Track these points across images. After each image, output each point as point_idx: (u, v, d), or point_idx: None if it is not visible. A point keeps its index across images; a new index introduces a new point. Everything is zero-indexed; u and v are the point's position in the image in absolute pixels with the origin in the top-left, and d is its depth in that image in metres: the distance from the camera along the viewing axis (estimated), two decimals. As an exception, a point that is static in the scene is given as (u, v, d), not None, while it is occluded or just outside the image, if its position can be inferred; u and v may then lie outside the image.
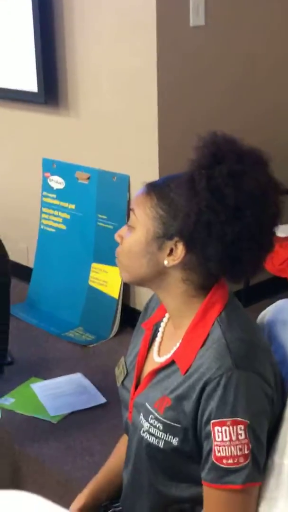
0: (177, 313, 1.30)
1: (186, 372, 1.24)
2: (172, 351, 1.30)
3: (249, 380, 1.18)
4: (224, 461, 1.16)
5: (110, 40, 3.12)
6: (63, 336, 3.34)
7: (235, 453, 1.16)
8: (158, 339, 1.37)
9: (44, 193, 3.63)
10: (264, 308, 1.43)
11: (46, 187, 3.62)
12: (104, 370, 2.94)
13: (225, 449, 1.16)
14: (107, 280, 3.34)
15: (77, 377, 2.94)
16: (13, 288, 2.94)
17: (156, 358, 1.35)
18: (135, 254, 1.28)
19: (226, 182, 1.18)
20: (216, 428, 1.16)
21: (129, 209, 3.21)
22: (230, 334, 1.22)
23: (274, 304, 1.40)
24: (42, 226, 3.67)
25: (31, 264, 3.76)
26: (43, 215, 3.65)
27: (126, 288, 3.30)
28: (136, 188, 3.16)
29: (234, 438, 1.15)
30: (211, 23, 3.05)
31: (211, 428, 1.17)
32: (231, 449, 1.16)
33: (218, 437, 1.16)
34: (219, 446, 1.16)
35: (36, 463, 2.45)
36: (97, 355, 3.13)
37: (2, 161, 3.90)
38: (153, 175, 3.01)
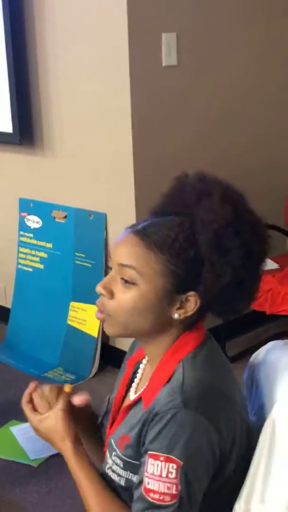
0: (159, 357, 1.27)
1: (146, 409, 1.23)
2: (142, 389, 1.29)
3: (195, 422, 1.14)
4: (151, 494, 1.14)
5: (84, 80, 3.15)
6: (43, 377, 3.30)
7: (162, 490, 1.13)
8: (137, 378, 1.36)
9: (21, 232, 3.62)
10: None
11: (23, 226, 3.61)
12: (84, 410, 2.90)
13: (154, 483, 1.14)
14: (86, 318, 3.32)
15: (58, 418, 2.89)
16: (-10, 329, 2.92)
17: (132, 396, 1.34)
18: (141, 311, 1.21)
19: (252, 236, 1.19)
20: (150, 460, 1.15)
21: (106, 247, 3.24)
22: (189, 374, 1.20)
23: (266, 345, 1.40)
24: (19, 266, 3.65)
25: (8, 305, 3.73)
26: (20, 255, 3.63)
27: (105, 326, 3.28)
28: (114, 226, 3.17)
29: (164, 474, 1.13)
30: (184, 62, 3.10)
31: (146, 458, 1.15)
32: (159, 484, 1.13)
33: (150, 469, 1.14)
34: (149, 478, 1.14)
35: (17, 508, 2.39)
36: (77, 395, 3.08)
37: (-22, 201, 3.89)
38: (130, 213, 3.02)
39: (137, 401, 1.29)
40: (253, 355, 1.41)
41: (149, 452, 1.15)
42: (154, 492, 1.14)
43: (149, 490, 1.14)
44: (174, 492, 1.13)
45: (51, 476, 2.54)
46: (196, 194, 1.21)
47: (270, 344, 1.40)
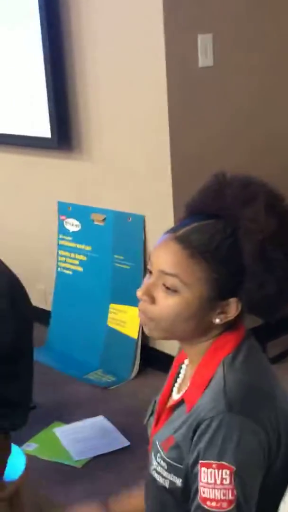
0: (199, 357, 1.28)
1: (189, 412, 1.23)
2: (184, 390, 1.30)
3: (241, 424, 1.15)
4: (208, 503, 1.15)
5: (122, 83, 3.17)
6: (84, 378, 3.33)
7: (219, 497, 1.14)
8: (180, 378, 1.37)
9: (60, 235, 3.66)
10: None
11: (62, 229, 3.64)
12: (126, 412, 2.91)
13: (209, 491, 1.14)
14: (125, 320, 3.33)
15: (100, 420, 2.92)
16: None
17: (175, 396, 1.34)
18: (183, 317, 1.22)
19: None
20: (203, 469, 1.15)
21: (145, 249, 3.25)
22: (230, 376, 1.20)
23: None
24: (59, 269, 3.68)
25: (49, 307, 3.77)
26: (60, 258, 3.67)
27: (145, 328, 3.29)
28: (152, 228, 3.18)
29: (218, 481, 1.14)
30: (219, 63, 3.10)
31: (199, 468, 1.16)
32: (214, 492, 1.14)
33: (204, 478, 1.15)
34: (204, 488, 1.15)
35: (62, 509, 2.41)
36: (118, 397, 3.10)
37: (18, 205, 3.94)
38: (168, 215, 3.03)
39: (180, 402, 1.29)
40: None
41: (201, 462, 1.16)
42: (211, 500, 1.14)
43: (206, 499, 1.15)
44: (230, 497, 1.14)
45: (95, 477, 2.56)
46: (239, 201, 1.20)
47: None
